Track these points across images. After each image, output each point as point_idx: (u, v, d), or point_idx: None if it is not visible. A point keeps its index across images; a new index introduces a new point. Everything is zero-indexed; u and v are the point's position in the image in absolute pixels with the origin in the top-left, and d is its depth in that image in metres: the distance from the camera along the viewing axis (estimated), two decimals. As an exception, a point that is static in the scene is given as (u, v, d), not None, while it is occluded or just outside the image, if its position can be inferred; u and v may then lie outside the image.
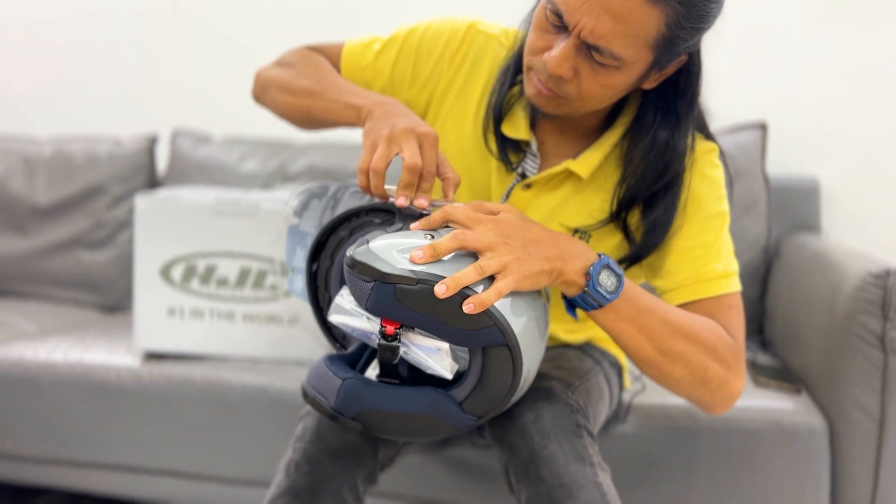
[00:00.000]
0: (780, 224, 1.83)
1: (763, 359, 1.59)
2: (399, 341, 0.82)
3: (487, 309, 0.76)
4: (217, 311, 1.55)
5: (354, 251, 0.79)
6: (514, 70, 1.04)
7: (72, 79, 2.42)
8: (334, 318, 0.89)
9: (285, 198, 1.03)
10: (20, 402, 1.59)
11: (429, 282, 0.75)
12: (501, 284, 0.77)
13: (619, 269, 0.86)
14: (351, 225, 0.95)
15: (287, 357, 1.56)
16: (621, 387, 1.28)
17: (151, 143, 2.17)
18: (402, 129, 0.88)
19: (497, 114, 1.04)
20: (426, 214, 0.87)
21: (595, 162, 1.03)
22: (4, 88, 2.46)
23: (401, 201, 0.87)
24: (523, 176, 1.06)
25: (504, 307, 0.78)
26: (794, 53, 1.94)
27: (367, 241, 0.80)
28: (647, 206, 1.00)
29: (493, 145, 1.05)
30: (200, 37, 2.31)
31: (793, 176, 1.88)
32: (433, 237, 0.81)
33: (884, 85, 1.89)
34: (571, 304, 0.89)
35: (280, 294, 1.53)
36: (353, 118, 0.98)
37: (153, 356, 1.58)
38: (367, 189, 0.90)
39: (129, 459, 1.57)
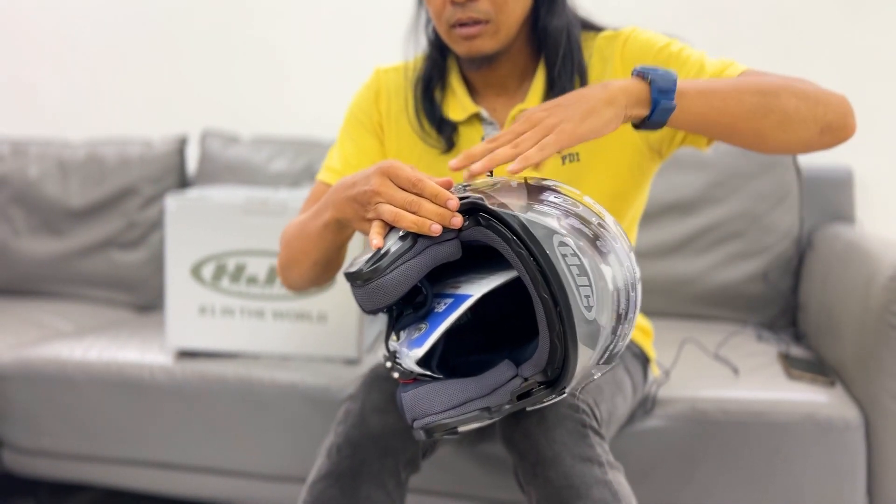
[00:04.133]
0: (813, 214, 1.81)
1: (796, 351, 1.56)
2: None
3: None
4: (247, 309, 1.56)
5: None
6: (430, 74, 1.12)
7: (103, 83, 2.46)
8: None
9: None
10: (56, 400, 1.62)
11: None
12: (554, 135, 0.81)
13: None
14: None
15: (316, 354, 1.57)
16: (646, 378, 1.27)
17: (181, 144, 2.20)
18: (368, 195, 0.82)
19: (431, 104, 1.10)
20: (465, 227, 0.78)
21: (539, 90, 1.07)
22: (38, 94, 2.51)
23: (435, 228, 0.77)
24: None
25: None
26: (826, 41, 1.91)
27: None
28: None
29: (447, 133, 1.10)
30: (228, 39, 2.34)
31: (826, 166, 1.85)
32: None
33: (918, 71, 1.86)
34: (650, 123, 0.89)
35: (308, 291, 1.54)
36: (338, 229, 0.94)
37: (185, 354, 1.60)
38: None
39: (163, 456, 1.59)
